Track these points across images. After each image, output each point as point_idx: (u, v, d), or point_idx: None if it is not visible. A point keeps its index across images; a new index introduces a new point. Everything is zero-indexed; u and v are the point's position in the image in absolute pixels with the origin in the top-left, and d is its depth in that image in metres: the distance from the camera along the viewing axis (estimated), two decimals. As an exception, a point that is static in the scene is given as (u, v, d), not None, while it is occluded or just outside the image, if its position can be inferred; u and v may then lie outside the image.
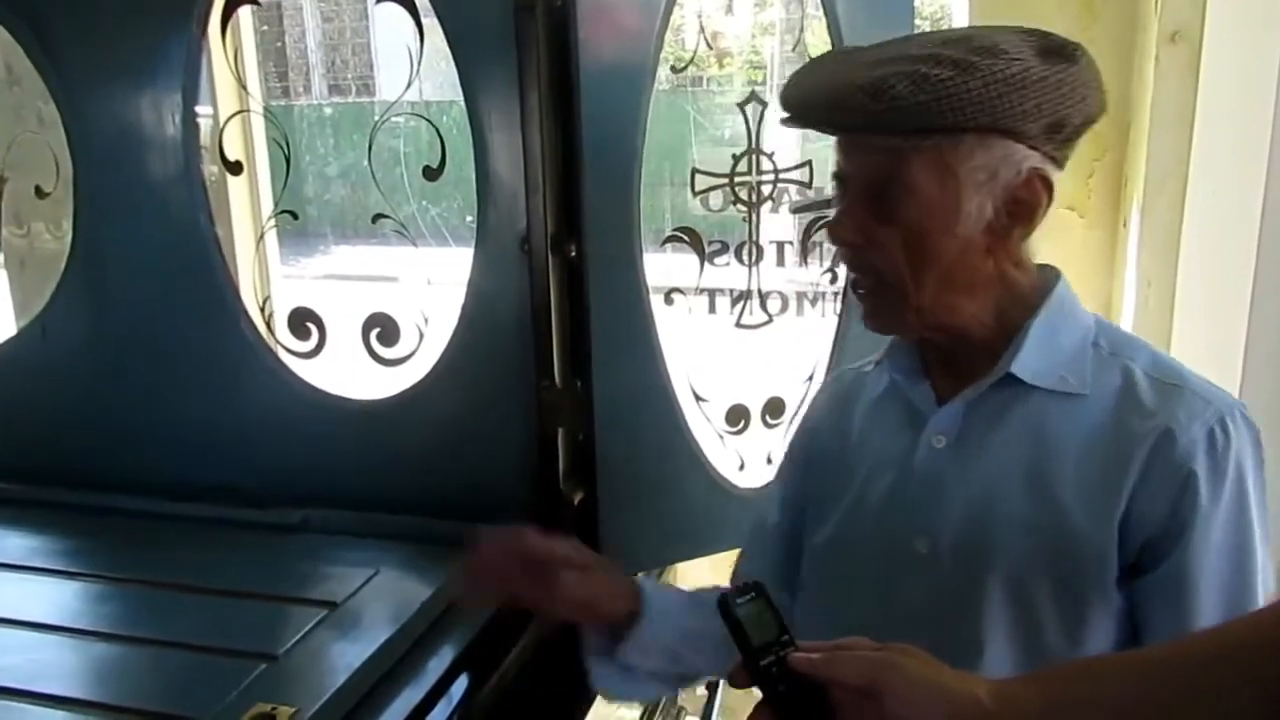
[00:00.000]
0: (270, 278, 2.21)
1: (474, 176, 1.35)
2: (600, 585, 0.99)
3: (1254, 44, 1.56)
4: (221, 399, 1.52)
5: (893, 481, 0.93)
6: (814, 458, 1.07)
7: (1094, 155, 1.84)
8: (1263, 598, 0.83)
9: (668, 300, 1.55)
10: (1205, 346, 1.65)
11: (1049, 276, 0.92)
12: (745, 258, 1.57)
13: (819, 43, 1.56)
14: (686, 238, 1.49)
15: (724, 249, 1.57)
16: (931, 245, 0.83)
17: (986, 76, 0.77)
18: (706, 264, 1.54)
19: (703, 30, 1.51)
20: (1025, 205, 0.85)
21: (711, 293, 1.60)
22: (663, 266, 1.56)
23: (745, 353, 1.67)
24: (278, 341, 1.54)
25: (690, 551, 1.59)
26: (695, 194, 1.49)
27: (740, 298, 1.59)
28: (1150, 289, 1.72)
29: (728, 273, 1.58)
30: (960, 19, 2.26)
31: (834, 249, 0.91)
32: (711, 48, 1.52)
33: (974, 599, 0.86)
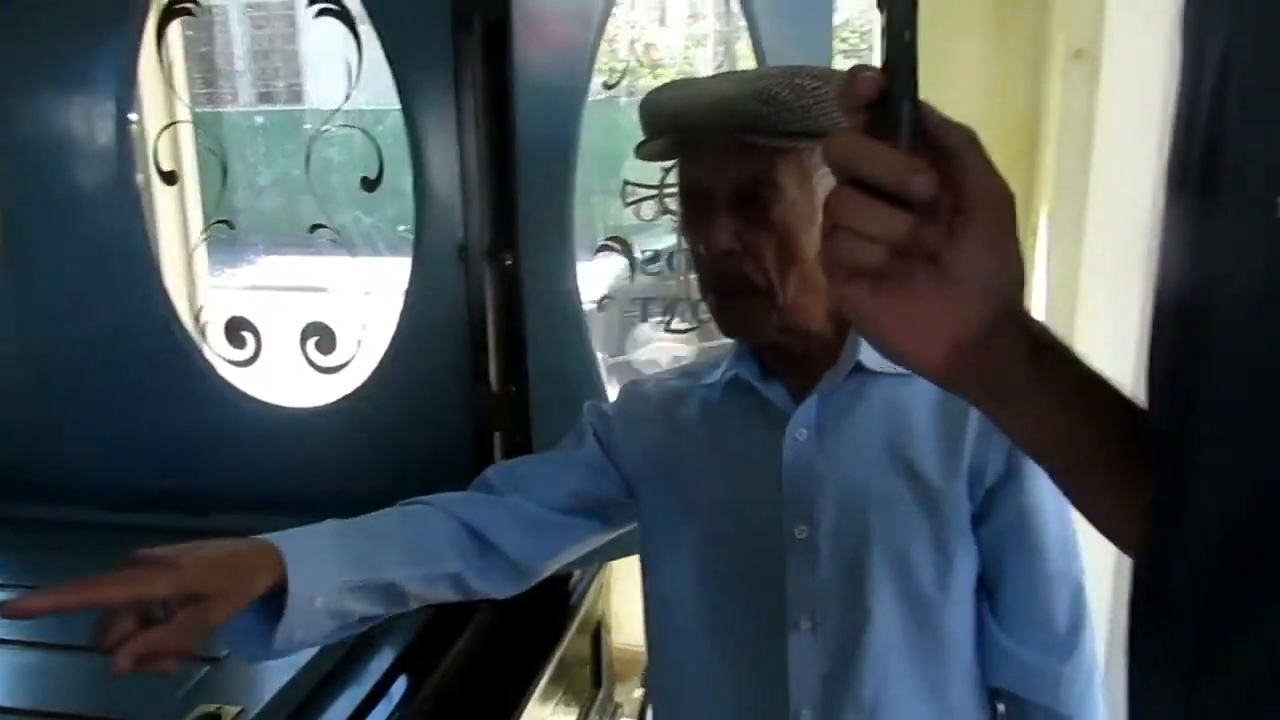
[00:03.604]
0: (203, 287, 2.20)
1: (410, 187, 1.38)
2: (231, 569, 0.83)
3: (1148, 62, 1.66)
4: (156, 408, 1.52)
5: (765, 478, 0.97)
6: (641, 459, 1.07)
7: (1006, 164, 1.93)
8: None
9: (600, 307, 1.60)
10: (1104, 346, 1.75)
11: None
12: (675, 266, 1.62)
13: (749, 54, 1.62)
14: (618, 246, 1.54)
15: (656, 257, 1.62)
16: (797, 245, 0.89)
17: (831, 90, 0.84)
18: (639, 272, 1.59)
19: (633, 44, 1.55)
20: None
21: (644, 300, 1.65)
22: (596, 274, 1.60)
23: (675, 356, 1.72)
24: (213, 350, 1.54)
25: (624, 550, 1.62)
26: (626, 204, 1.54)
27: (670, 304, 1.64)
28: (1056, 292, 1.82)
29: (660, 281, 1.63)
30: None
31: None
32: (643, 64, 1.57)
33: (858, 571, 0.93)
